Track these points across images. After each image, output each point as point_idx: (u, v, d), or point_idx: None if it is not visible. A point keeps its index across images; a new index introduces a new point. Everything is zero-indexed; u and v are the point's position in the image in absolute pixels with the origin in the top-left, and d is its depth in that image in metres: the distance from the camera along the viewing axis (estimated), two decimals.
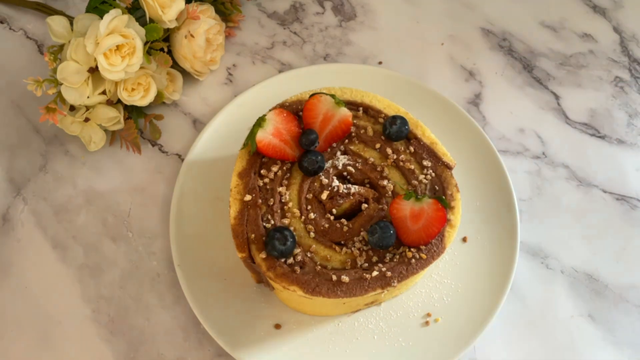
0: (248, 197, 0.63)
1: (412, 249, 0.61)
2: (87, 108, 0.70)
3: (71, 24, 0.68)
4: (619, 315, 0.67)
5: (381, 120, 0.68)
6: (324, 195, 0.63)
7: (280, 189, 0.64)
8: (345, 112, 0.65)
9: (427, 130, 0.67)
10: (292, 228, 0.62)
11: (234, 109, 0.77)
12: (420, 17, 0.86)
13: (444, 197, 0.62)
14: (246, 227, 0.61)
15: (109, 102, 0.70)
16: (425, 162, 0.66)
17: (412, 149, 0.66)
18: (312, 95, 0.65)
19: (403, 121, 0.66)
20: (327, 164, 0.66)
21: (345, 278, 0.59)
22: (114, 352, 0.67)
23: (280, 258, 0.60)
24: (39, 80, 0.66)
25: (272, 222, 0.62)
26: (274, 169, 0.65)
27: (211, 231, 0.71)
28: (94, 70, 0.67)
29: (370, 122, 0.68)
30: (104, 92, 0.69)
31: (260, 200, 0.63)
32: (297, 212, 0.63)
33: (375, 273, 0.60)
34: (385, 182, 0.65)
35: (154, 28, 0.69)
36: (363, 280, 0.59)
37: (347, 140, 0.67)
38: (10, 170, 0.76)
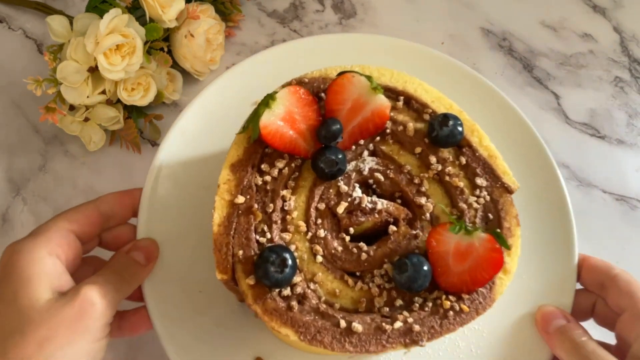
0: (240, 199, 0.52)
1: (450, 297, 0.51)
2: (87, 108, 0.72)
3: (71, 23, 0.70)
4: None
5: (427, 117, 0.57)
6: (341, 208, 0.53)
7: (284, 192, 0.54)
8: (382, 101, 0.54)
9: (486, 139, 0.57)
10: (293, 247, 0.52)
11: (222, 89, 0.67)
12: (421, 16, 0.89)
13: (500, 232, 0.52)
14: (233, 239, 0.51)
15: (109, 102, 0.72)
16: (478, 181, 0.55)
17: (463, 160, 0.56)
18: (340, 74, 0.54)
19: (456, 122, 0.55)
20: (350, 167, 0.56)
21: (357, 326, 0.49)
22: (114, 353, 0.67)
23: (273, 288, 0.49)
24: (39, 79, 0.68)
25: (269, 235, 0.52)
26: (280, 164, 0.54)
27: (189, 233, 0.61)
28: (93, 70, 0.69)
29: (412, 118, 0.57)
30: (103, 92, 0.71)
31: (256, 205, 0.52)
32: (302, 225, 0.53)
33: (398, 324, 0.49)
34: (423, 200, 0.55)
35: (154, 28, 0.71)
36: (381, 331, 0.49)
37: (378, 138, 0.57)
38: (9, 170, 0.77)
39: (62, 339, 0.47)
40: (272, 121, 0.52)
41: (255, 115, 0.51)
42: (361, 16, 0.89)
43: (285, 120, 0.52)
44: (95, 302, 0.49)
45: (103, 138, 0.75)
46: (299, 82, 0.56)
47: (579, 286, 0.62)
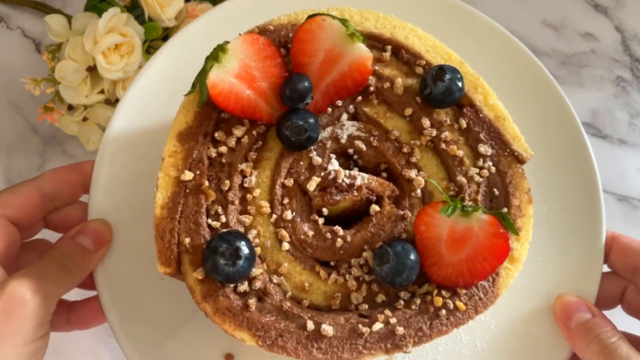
0: (188, 175, 0.47)
1: (443, 292, 0.46)
2: (86, 107, 0.73)
3: (69, 22, 0.72)
4: (620, 316, 0.62)
5: (420, 70, 0.51)
6: (313, 185, 0.48)
7: (243, 166, 0.49)
8: (361, 52, 0.48)
9: (493, 96, 0.51)
10: (254, 233, 0.48)
11: (187, 42, 0.61)
12: None
13: (506, 213, 0.46)
14: (179, 224, 0.46)
15: (108, 102, 0.73)
16: (482, 148, 0.49)
17: (464, 123, 0.50)
18: (310, 17, 0.47)
19: (455, 76, 0.49)
20: (324, 134, 0.51)
21: (327, 329, 0.44)
22: (112, 353, 0.69)
23: (225, 284, 0.45)
24: (37, 79, 0.70)
25: (224, 219, 0.47)
26: (238, 132, 0.49)
27: (146, 212, 0.55)
28: (92, 69, 0.70)
29: (402, 72, 0.51)
30: (102, 91, 0.72)
31: (207, 183, 0.47)
32: (266, 206, 0.49)
33: (378, 326, 0.45)
34: (413, 174, 0.50)
35: (153, 27, 0.72)
36: (357, 335, 0.45)
37: (360, 98, 0.52)
38: (7, 170, 0.78)
39: None
40: (223, 78, 0.45)
41: (202, 73, 0.44)
42: None
43: (240, 77, 0.46)
44: (26, 299, 0.45)
45: (101, 138, 0.75)
46: (262, 30, 0.49)
47: (605, 269, 0.58)
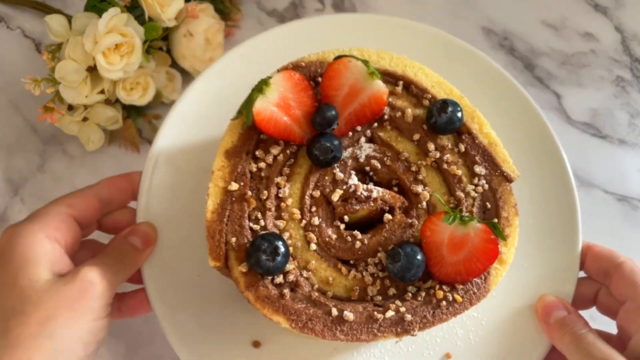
0: (234, 186, 0.52)
1: (444, 287, 0.52)
2: (86, 107, 0.71)
3: (69, 22, 0.69)
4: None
5: (426, 102, 0.57)
6: (336, 196, 0.53)
7: (278, 179, 0.54)
8: (379, 87, 0.53)
9: (487, 125, 0.56)
10: (287, 235, 0.53)
11: (218, 74, 0.66)
12: (421, 16, 0.87)
13: (497, 223, 0.52)
14: (226, 226, 0.52)
15: (108, 102, 0.72)
16: (477, 169, 0.55)
17: (462, 147, 0.55)
18: (337, 58, 0.53)
19: (456, 108, 0.54)
20: (346, 154, 0.56)
21: (349, 315, 0.49)
22: (112, 353, 0.68)
23: (265, 276, 0.50)
24: (37, 79, 0.68)
25: (262, 223, 0.52)
26: (274, 151, 0.54)
27: (188, 216, 0.61)
28: (92, 69, 0.68)
29: (411, 104, 0.57)
30: (102, 92, 0.70)
31: (250, 192, 0.53)
32: (297, 213, 0.53)
33: (390, 313, 0.50)
34: (419, 188, 0.55)
35: (153, 27, 0.71)
36: (373, 320, 0.50)
37: (376, 125, 0.57)
38: (7, 171, 0.77)
39: (63, 318, 0.48)
40: (266, 107, 0.51)
41: (248, 102, 0.51)
42: None
43: (279, 106, 0.52)
44: (95, 282, 0.51)
45: (102, 138, 0.75)
46: (296, 66, 0.55)
47: (581, 274, 0.61)
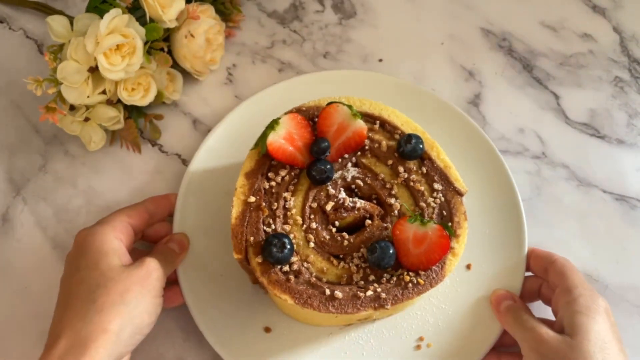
0: (252, 199, 0.62)
1: (410, 273, 0.60)
2: (87, 108, 0.69)
3: (71, 23, 0.67)
4: (619, 316, 0.65)
5: (397, 136, 0.65)
6: (329, 206, 0.62)
7: (285, 194, 0.63)
8: (360, 125, 0.63)
9: (442, 153, 0.65)
10: (292, 236, 0.61)
11: (238, 116, 0.74)
12: (421, 16, 0.86)
13: (450, 225, 0.61)
14: (246, 229, 0.60)
15: (109, 102, 0.70)
16: (436, 185, 0.64)
17: (424, 170, 0.64)
18: (329, 104, 0.63)
19: (418, 140, 0.63)
20: (336, 175, 0.64)
21: (338, 294, 0.58)
22: None
23: (275, 265, 0.59)
24: (39, 79, 0.65)
25: (273, 227, 0.61)
26: (282, 173, 0.63)
27: (213, 228, 0.70)
28: (94, 70, 0.66)
29: (386, 137, 0.66)
30: (104, 92, 0.68)
31: (264, 204, 0.62)
32: (299, 219, 0.62)
33: (369, 292, 0.58)
34: (392, 201, 0.63)
35: (154, 28, 0.68)
36: (356, 298, 0.58)
37: (359, 153, 0.66)
38: (9, 171, 0.75)
39: (136, 292, 0.56)
40: (276, 140, 0.61)
41: (263, 136, 0.61)
42: (361, 16, 0.87)
43: (286, 139, 0.62)
44: (156, 268, 0.59)
45: (103, 138, 0.73)
46: (298, 110, 0.65)
47: (529, 273, 0.67)
